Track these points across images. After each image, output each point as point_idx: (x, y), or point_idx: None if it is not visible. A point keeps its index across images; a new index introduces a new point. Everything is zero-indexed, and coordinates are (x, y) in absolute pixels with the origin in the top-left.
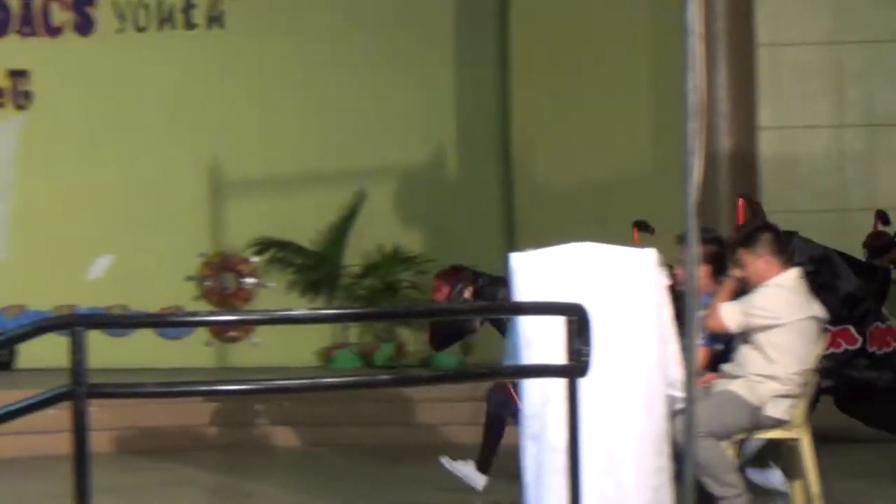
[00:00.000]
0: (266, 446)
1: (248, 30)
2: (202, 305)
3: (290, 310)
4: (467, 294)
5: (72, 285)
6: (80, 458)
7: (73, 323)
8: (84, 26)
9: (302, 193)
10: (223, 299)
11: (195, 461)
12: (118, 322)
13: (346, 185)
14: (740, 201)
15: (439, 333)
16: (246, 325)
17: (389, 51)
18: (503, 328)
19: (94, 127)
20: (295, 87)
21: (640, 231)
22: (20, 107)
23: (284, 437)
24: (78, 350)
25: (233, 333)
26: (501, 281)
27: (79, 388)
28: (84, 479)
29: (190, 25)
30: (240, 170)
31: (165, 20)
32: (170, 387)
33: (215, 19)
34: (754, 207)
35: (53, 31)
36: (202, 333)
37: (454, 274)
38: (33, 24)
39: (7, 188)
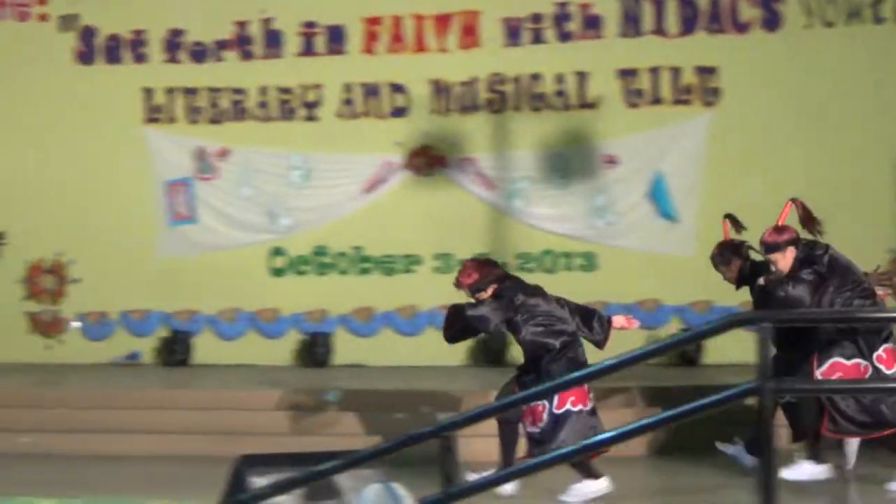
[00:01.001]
0: None
1: None
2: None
3: None
4: (490, 291)
5: None
6: (767, 452)
7: (761, 319)
8: (772, 22)
9: None
10: None
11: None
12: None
13: None
14: (788, 204)
15: (453, 327)
16: None
17: None
18: None
19: (782, 123)
20: None
21: (732, 224)
22: (708, 104)
23: None
24: (764, 346)
25: None
26: (522, 285)
27: (765, 384)
28: (771, 475)
29: (878, 20)
30: None
31: (853, 14)
32: (856, 383)
33: None
34: (805, 211)
35: (741, 28)
36: None
37: (488, 266)
38: (721, 20)
39: (696, 184)
